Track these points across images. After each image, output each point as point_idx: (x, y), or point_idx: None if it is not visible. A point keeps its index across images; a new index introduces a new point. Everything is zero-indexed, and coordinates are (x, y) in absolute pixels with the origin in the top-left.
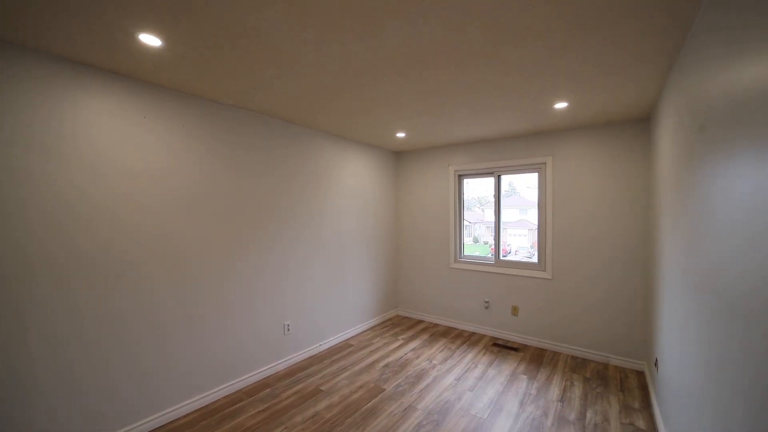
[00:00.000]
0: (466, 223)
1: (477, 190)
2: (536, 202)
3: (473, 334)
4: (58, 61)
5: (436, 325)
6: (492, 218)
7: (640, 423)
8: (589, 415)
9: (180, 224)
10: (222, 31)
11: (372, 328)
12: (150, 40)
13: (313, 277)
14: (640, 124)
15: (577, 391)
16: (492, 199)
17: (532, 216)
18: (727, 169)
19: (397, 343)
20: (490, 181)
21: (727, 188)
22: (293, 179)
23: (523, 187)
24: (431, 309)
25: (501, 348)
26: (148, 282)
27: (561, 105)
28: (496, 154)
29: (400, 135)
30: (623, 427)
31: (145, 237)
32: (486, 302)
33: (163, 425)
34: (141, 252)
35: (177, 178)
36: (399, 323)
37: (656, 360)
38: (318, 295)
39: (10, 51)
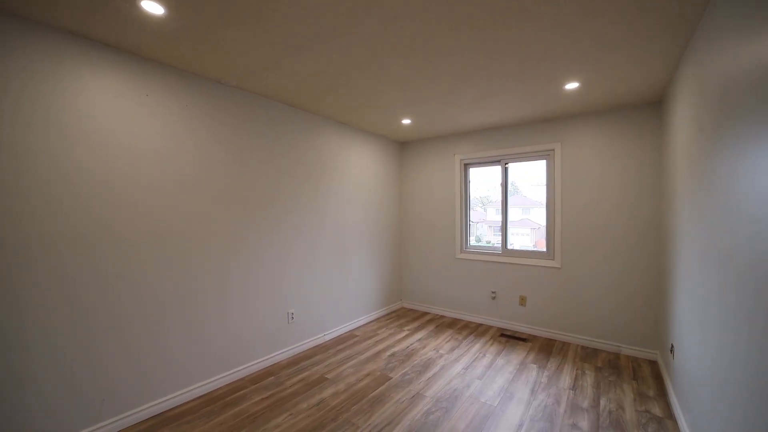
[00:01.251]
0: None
1: (479, 189)
2: (539, 200)
3: (480, 325)
4: (62, 35)
5: (441, 316)
6: (494, 218)
7: (656, 410)
8: (602, 402)
9: (181, 207)
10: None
11: (377, 320)
12: (152, 7)
13: (316, 268)
14: (651, 108)
15: (588, 379)
16: (494, 199)
17: (535, 215)
18: (757, 148)
19: (403, 334)
20: (493, 178)
21: (755, 167)
22: (296, 167)
23: (527, 185)
24: (437, 301)
25: (509, 338)
26: (146, 270)
27: (572, 85)
28: (503, 142)
29: (406, 122)
30: (639, 415)
31: (145, 221)
32: (493, 293)
33: (163, 412)
34: (140, 237)
35: (178, 160)
36: (404, 315)
37: (672, 346)
38: (321, 286)
39: (12, 23)
